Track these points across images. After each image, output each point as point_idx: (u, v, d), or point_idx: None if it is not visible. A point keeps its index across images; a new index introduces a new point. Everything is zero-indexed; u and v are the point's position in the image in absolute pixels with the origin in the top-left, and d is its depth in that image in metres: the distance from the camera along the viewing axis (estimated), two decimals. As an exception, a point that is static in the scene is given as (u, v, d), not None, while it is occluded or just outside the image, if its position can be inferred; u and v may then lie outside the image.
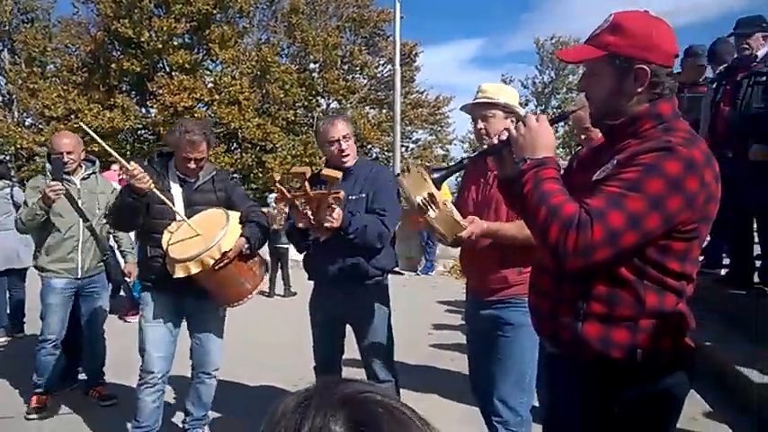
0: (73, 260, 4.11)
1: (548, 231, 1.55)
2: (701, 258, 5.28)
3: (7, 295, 6.07)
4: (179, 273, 2.99)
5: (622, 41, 1.64)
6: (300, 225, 3.00)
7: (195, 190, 3.32)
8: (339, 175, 2.84)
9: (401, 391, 3.45)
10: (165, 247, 3.08)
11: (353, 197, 3.15)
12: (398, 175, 2.60)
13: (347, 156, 3.19)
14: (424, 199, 2.35)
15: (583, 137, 3.34)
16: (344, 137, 3.17)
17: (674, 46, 1.66)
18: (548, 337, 1.85)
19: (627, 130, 1.68)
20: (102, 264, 4.25)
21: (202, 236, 3.04)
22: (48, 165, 4.07)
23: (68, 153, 4.01)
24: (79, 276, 4.14)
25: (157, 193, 3.07)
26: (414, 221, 2.62)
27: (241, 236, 3.11)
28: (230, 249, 3.02)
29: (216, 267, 3.00)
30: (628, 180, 1.52)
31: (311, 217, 2.91)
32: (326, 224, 2.90)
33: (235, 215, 3.20)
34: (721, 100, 4.71)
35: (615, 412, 1.68)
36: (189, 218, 3.16)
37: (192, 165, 3.26)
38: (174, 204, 3.18)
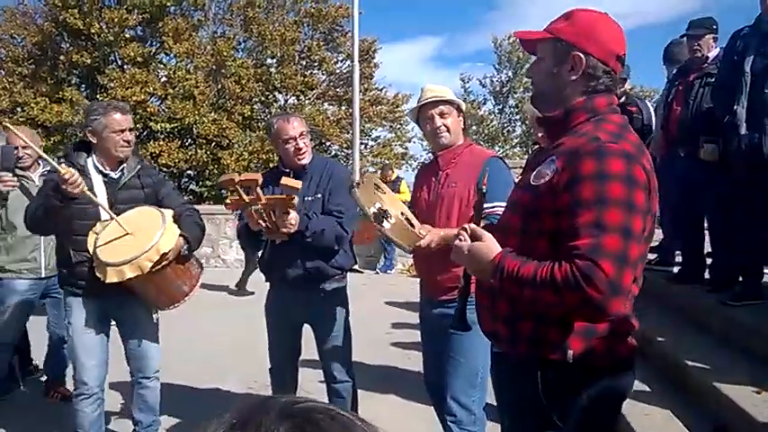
0: (35, 260, 3.96)
1: (566, 302, 1.50)
2: (654, 256, 5.39)
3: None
4: (112, 277, 2.76)
5: (567, 27, 1.69)
6: (255, 229, 2.92)
7: (120, 187, 3.04)
8: (299, 185, 2.78)
9: (359, 391, 3.40)
10: (92, 249, 2.83)
11: (309, 198, 3.09)
12: (353, 187, 2.59)
13: (304, 154, 3.12)
14: (377, 211, 2.36)
15: (539, 134, 3.42)
16: (301, 135, 3.10)
17: (617, 46, 1.68)
18: (488, 333, 1.86)
19: (562, 124, 1.70)
20: None
21: (135, 236, 2.81)
22: None
23: (23, 148, 3.80)
24: (43, 276, 3.98)
25: (89, 195, 2.81)
26: (369, 231, 2.61)
27: (180, 236, 2.91)
28: (169, 251, 2.82)
29: (152, 270, 2.79)
30: (589, 199, 1.49)
31: (266, 221, 2.84)
32: (284, 229, 2.85)
33: (169, 213, 2.97)
34: (674, 100, 4.81)
35: (554, 410, 1.69)
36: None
37: (128, 137, 3.00)
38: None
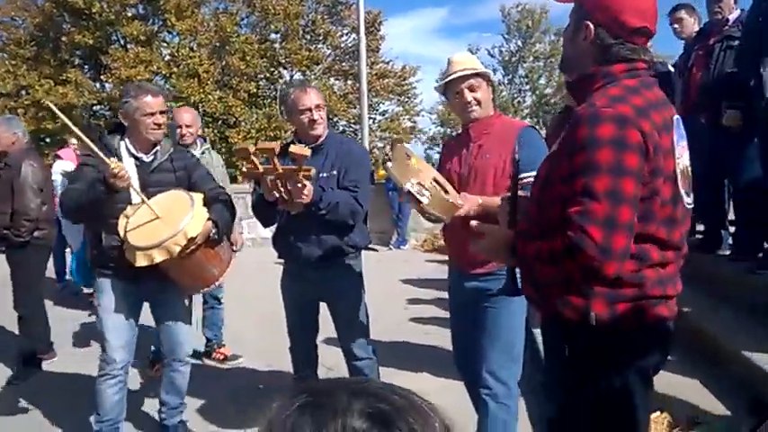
0: None
1: (568, 269, 1.54)
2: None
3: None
4: (141, 261, 2.77)
5: None
6: (270, 199, 2.87)
7: (152, 171, 3.06)
8: (307, 152, 2.71)
9: (380, 368, 3.36)
10: (122, 233, 2.84)
11: (325, 174, 3.03)
12: (385, 162, 2.54)
13: (318, 125, 3.05)
14: (414, 187, 2.28)
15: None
16: (317, 106, 3.04)
17: (634, 18, 1.61)
18: (527, 296, 1.91)
19: (583, 90, 1.69)
20: None
21: (163, 220, 2.82)
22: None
23: (187, 126, 4.15)
24: None
25: (134, 187, 2.84)
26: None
27: (208, 220, 2.90)
28: (197, 235, 2.81)
29: (182, 255, 2.80)
30: (579, 166, 1.51)
31: (282, 191, 2.78)
32: (297, 200, 2.79)
33: (198, 197, 2.97)
34: (694, 65, 4.67)
35: (581, 373, 1.70)
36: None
37: (159, 120, 2.99)
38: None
